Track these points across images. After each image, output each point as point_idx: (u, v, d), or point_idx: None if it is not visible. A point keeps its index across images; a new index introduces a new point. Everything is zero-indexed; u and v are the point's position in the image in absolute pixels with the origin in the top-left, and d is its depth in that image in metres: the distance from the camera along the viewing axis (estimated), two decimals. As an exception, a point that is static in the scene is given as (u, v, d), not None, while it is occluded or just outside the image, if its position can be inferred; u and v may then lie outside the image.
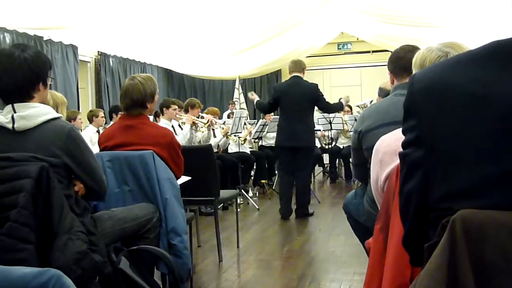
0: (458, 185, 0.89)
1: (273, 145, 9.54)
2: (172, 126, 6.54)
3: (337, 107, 6.92)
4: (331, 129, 9.61)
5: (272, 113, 9.68)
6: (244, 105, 12.55)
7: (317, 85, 6.61)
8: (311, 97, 6.44)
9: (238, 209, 5.95)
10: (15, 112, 2.31)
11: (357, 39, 12.98)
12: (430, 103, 0.95)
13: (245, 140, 8.46)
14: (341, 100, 6.97)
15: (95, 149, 3.32)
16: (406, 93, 2.75)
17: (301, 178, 6.60)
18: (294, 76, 6.51)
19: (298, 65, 6.55)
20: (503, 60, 0.89)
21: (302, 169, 6.57)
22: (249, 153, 8.61)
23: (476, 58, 0.94)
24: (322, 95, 6.56)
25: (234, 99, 12.46)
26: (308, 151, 6.58)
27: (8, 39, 7.29)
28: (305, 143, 6.47)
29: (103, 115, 7.86)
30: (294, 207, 6.67)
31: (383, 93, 4.83)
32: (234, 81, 13.00)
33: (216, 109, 8.23)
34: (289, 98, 6.41)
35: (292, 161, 6.56)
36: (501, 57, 0.90)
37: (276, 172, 8.72)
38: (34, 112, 2.32)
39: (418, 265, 1.13)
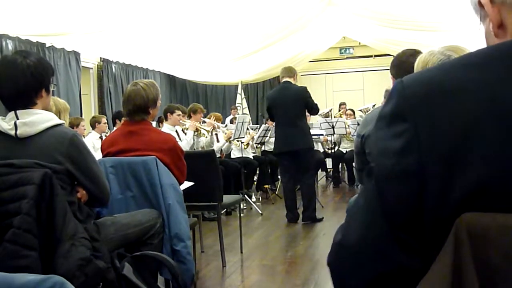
0: (465, 190, 0.86)
1: (275, 151, 9.57)
2: (176, 131, 6.55)
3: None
4: (334, 133, 9.60)
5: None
6: (246, 110, 12.56)
7: (305, 87, 6.67)
8: (301, 100, 6.48)
9: (241, 214, 5.94)
10: (17, 118, 2.31)
11: (359, 43, 13.00)
12: (431, 107, 0.91)
13: (247, 144, 8.46)
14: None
15: (98, 155, 3.32)
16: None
17: (305, 181, 6.60)
18: (284, 81, 6.59)
19: (288, 71, 6.64)
20: (507, 61, 0.88)
21: (304, 172, 6.57)
22: (252, 158, 8.61)
23: (477, 60, 0.92)
24: (311, 97, 6.59)
25: (237, 104, 12.48)
26: (307, 153, 6.56)
27: (10, 46, 7.31)
28: (302, 145, 6.46)
29: (106, 121, 7.88)
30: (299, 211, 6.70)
31: (388, 95, 4.82)
32: (236, 86, 13.02)
33: (219, 114, 8.26)
34: (281, 104, 6.46)
35: (293, 166, 6.57)
36: (504, 58, 0.89)
37: (279, 177, 8.71)
38: (36, 119, 2.33)
39: None
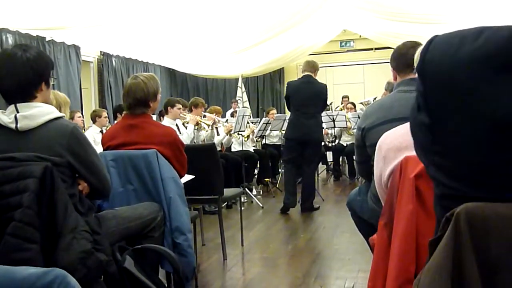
0: (453, 167, 0.92)
1: (277, 143, 9.57)
2: (176, 125, 6.55)
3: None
4: (334, 126, 9.59)
5: (275, 112, 9.74)
6: (247, 104, 12.55)
7: (326, 85, 6.88)
8: (322, 96, 6.71)
9: (242, 208, 5.95)
10: (18, 112, 2.31)
11: (360, 36, 12.98)
12: (436, 82, 1.01)
13: (248, 137, 8.46)
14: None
15: (98, 149, 3.31)
16: (409, 89, 2.75)
17: (307, 172, 6.78)
18: (306, 75, 6.73)
19: (310, 65, 6.80)
20: (505, 60, 0.91)
21: (309, 163, 6.76)
22: (253, 151, 8.60)
23: (483, 55, 0.95)
24: (327, 96, 6.85)
25: (237, 98, 12.47)
26: (316, 145, 6.82)
27: (10, 40, 7.31)
28: (315, 137, 6.72)
29: (106, 115, 7.87)
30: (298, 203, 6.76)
31: (390, 87, 4.83)
32: (237, 79, 13.01)
33: (219, 107, 8.24)
34: (301, 95, 6.64)
35: (299, 155, 6.73)
36: (503, 56, 0.91)
37: (283, 165, 8.70)
38: (37, 112, 2.32)
39: None
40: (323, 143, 10.08)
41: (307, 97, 6.59)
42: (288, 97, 6.79)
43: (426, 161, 1.06)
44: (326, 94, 6.77)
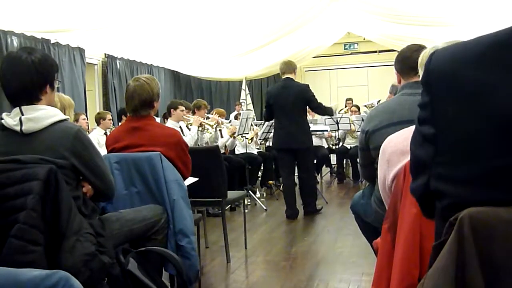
0: (461, 174, 0.92)
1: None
2: (180, 127, 6.55)
3: (328, 112, 6.98)
4: (338, 129, 9.58)
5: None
6: (251, 106, 12.55)
7: (307, 85, 6.66)
8: (303, 98, 6.46)
9: (246, 210, 5.94)
10: (22, 114, 2.32)
11: (364, 39, 12.97)
12: (442, 89, 1.02)
13: (251, 139, 8.46)
14: (332, 106, 7.15)
15: (102, 151, 3.32)
16: (413, 92, 2.76)
17: (304, 178, 6.67)
18: (285, 78, 6.54)
19: (289, 66, 6.58)
20: (509, 61, 0.91)
21: (304, 170, 6.65)
22: (256, 154, 8.60)
23: (485, 56, 0.96)
24: (314, 95, 6.56)
25: (241, 100, 12.46)
26: (306, 151, 6.60)
27: (15, 42, 7.32)
28: (301, 144, 6.50)
29: (111, 117, 7.88)
30: (300, 207, 6.75)
31: (395, 90, 4.83)
32: (240, 82, 13.01)
33: (222, 110, 8.25)
34: (282, 101, 6.43)
35: (292, 162, 6.66)
36: (507, 58, 0.92)
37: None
38: (41, 115, 2.33)
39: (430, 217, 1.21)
40: (326, 146, 10.10)
41: (289, 103, 6.38)
42: (270, 105, 6.56)
43: (426, 177, 1.05)
44: (308, 94, 6.46)
